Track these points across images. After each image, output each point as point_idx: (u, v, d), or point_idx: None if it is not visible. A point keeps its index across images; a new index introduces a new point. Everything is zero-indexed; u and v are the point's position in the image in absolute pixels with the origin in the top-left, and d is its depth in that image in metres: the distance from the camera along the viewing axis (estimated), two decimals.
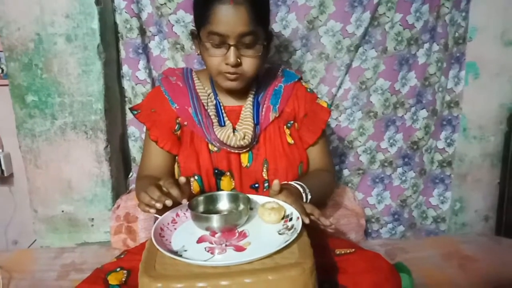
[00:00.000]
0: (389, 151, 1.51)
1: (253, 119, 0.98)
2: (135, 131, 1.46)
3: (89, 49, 1.28)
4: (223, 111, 0.99)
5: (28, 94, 1.30)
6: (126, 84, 1.42)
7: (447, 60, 1.43)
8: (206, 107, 0.98)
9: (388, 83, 1.43)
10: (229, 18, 0.84)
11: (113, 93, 1.39)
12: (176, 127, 0.99)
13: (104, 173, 1.36)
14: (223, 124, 0.97)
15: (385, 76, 1.42)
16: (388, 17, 1.37)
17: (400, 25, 1.38)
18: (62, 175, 1.36)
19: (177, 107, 0.98)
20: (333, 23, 1.36)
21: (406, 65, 1.42)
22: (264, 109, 1.00)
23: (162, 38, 1.38)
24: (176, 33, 1.35)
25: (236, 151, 0.97)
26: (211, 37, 0.87)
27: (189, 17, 1.33)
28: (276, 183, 0.84)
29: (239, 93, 1.00)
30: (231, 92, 0.99)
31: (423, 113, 1.47)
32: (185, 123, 0.98)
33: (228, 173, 0.97)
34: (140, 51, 1.37)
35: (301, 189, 0.88)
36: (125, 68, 1.40)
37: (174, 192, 0.73)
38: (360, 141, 1.48)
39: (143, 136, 1.45)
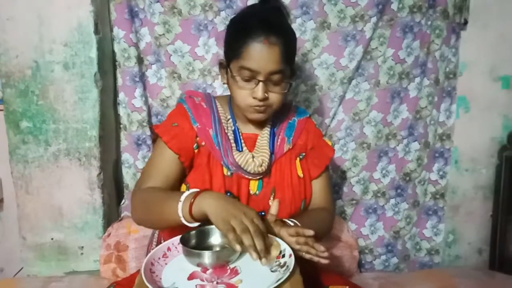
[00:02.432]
0: (381, 182, 1.52)
1: (269, 148, 1.00)
2: (129, 158, 1.46)
3: (86, 77, 1.29)
4: (241, 137, 1.01)
5: (22, 120, 1.30)
6: (122, 111, 1.43)
7: (439, 94, 1.46)
8: (226, 131, 0.99)
9: (381, 115, 1.45)
10: (262, 56, 0.87)
11: (109, 120, 1.40)
12: (194, 146, 0.98)
13: (96, 200, 1.35)
14: (240, 150, 0.99)
15: (378, 108, 1.45)
16: (380, 51, 1.41)
17: (392, 59, 1.41)
18: (53, 202, 1.34)
19: (199, 126, 0.98)
20: (327, 56, 1.40)
21: (398, 98, 1.45)
22: (279, 140, 1.03)
23: (160, 67, 1.40)
24: (173, 62, 1.38)
25: (250, 177, 0.97)
26: (242, 71, 0.90)
27: (187, 48, 1.36)
28: (275, 203, 0.86)
29: (258, 122, 1.01)
30: (250, 120, 1.01)
31: (415, 145, 1.49)
32: (203, 143, 0.97)
33: (236, 199, 0.97)
34: (137, 79, 1.39)
35: None
36: (121, 96, 1.41)
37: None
38: (353, 172, 1.49)
39: (137, 163, 1.45)
